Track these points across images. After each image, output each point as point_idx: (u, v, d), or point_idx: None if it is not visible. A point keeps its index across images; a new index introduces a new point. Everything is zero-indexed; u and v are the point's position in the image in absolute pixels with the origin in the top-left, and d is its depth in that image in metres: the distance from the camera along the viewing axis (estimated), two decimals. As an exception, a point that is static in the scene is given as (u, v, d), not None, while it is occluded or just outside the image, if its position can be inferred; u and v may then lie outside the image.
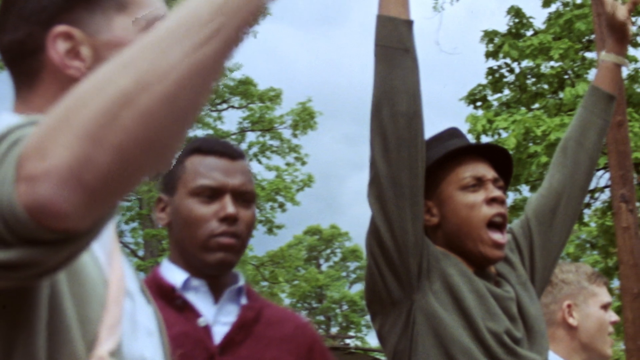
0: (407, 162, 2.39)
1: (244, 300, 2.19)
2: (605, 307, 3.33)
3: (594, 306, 3.30)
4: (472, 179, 2.53)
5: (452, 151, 2.55)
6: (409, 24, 2.46)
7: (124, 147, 0.92)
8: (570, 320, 3.28)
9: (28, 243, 0.95)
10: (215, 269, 2.15)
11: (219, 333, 2.11)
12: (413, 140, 2.40)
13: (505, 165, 2.63)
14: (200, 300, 2.14)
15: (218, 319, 2.14)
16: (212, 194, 2.14)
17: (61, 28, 1.30)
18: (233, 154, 2.20)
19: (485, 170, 2.55)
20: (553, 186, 2.80)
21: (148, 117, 0.92)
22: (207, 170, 2.16)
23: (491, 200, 2.51)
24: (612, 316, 3.34)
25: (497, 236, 2.50)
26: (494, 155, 2.61)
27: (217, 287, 2.17)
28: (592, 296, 3.32)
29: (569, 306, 3.29)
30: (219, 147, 2.20)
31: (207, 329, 2.10)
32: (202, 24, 0.95)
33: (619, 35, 2.91)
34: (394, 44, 2.42)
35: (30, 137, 0.95)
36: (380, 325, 2.50)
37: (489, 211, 2.50)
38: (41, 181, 0.91)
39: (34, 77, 1.33)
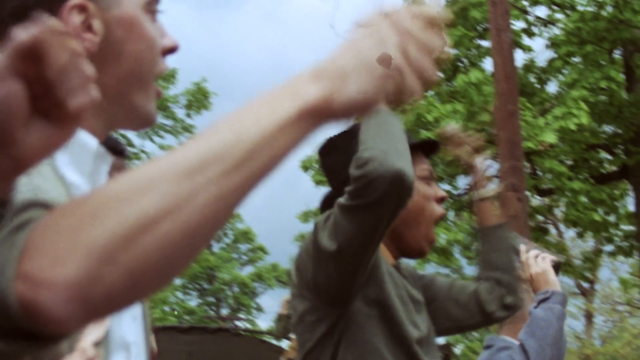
0: None
1: None
2: None
3: None
4: (429, 172, 2.58)
5: (420, 142, 2.58)
6: None
7: (137, 269, 0.89)
8: None
9: (7, 335, 0.89)
10: None
11: None
12: None
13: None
14: None
15: None
16: None
17: (76, 0, 1.27)
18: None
19: (431, 167, 2.62)
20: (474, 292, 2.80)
21: (167, 243, 0.90)
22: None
23: (440, 199, 2.58)
24: None
25: (434, 235, 2.57)
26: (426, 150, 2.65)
27: None
28: None
29: None
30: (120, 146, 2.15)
31: None
32: (230, 157, 0.93)
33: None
34: None
35: (39, 231, 0.90)
36: (306, 312, 2.36)
37: (438, 210, 2.57)
38: (45, 289, 0.87)
39: None
